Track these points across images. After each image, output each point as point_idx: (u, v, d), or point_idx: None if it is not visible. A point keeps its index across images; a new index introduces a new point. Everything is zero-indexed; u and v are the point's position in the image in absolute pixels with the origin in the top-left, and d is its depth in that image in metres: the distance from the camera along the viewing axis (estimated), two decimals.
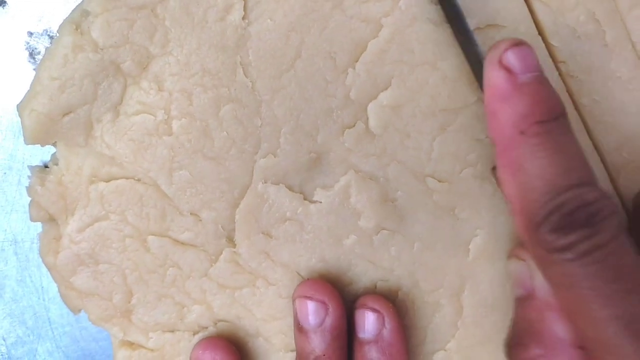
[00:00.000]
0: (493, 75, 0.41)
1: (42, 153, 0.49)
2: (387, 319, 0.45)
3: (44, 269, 0.47)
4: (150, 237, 0.46)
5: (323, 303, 0.45)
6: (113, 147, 0.45)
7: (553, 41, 0.46)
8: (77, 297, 0.47)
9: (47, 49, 0.45)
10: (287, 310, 0.47)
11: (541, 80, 0.41)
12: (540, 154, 0.39)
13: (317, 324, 0.45)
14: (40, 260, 0.47)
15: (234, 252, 0.47)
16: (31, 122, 0.45)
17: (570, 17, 0.46)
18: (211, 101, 0.45)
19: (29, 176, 0.46)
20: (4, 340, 0.52)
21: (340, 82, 0.45)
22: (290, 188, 0.46)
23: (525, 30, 0.46)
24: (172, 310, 0.47)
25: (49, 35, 0.50)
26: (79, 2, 0.45)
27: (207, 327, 0.48)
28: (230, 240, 0.47)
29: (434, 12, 0.45)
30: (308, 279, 0.47)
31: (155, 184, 0.46)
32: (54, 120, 0.45)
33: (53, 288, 0.49)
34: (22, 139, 0.46)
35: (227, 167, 0.46)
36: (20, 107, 0.45)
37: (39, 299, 0.52)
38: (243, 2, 0.45)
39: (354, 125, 0.46)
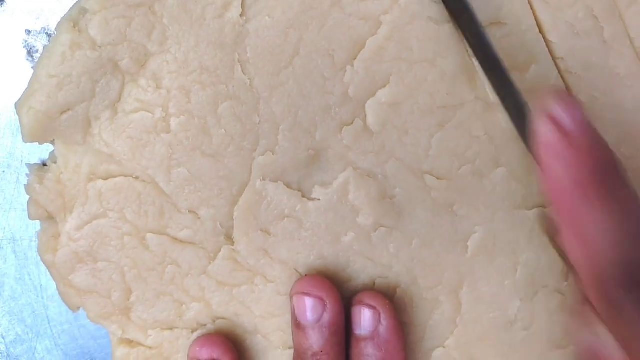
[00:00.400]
0: (543, 130, 0.40)
1: (41, 151, 0.49)
2: (383, 316, 0.45)
3: (43, 267, 0.47)
4: (148, 235, 0.46)
5: (321, 299, 0.45)
6: (111, 145, 0.45)
7: (551, 37, 0.47)
8: (76, 295, 0.47)
9: (45, 47, 0.45)
10: (285, 307, 0.47)
11: (593, 134, 0.40)
12: (602, 212, 0.38)
13: (314, 320, 0.45)
14: (39, 258, 0.47)
15: (233, 249, 0.47)
16: (29, 120, 0.45)
17: (569, 14, 0.46)
18: (209, 98, 0.45)
19: (27, 174, 0.46)
20: (3, 338, 0.52)
21: (339, 80, 0.45)
22: (288, 185, 0.46)
23: (527, 28, 0.46)
24: (170, 307, 0.47)
25: (47, 33, 0.50)
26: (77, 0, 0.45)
27: (205, 325, 0.48)
28: (229, 238, 0.47)
29: (435, 11, 0.46)
30: (306, 275, 0.47)
31: (153, 181, 0.46)
32: (52, 118, 0.45)
33: (52, 286, 0.49)
34: (20, 137, 0.46)
35: (226, 164, 0.46)
36: (18, 105, 0.45)
37: (37, 297, 0.52)
38: None
39: (352, 123, 0.46)
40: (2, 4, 0.49)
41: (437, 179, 0.47)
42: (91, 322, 0.47)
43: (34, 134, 0.45)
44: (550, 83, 0.47)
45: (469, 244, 0.47)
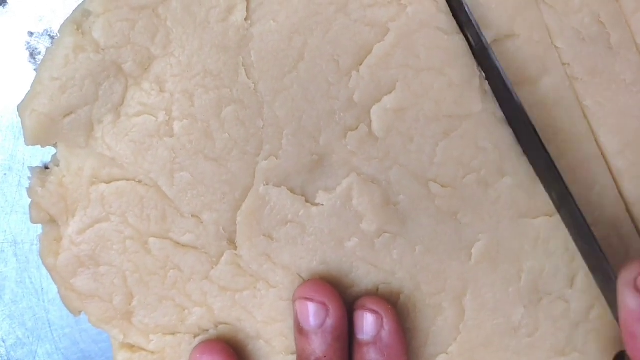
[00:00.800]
0: (629, 299, 0.41)
1: (43, 154, 0.49)
2: (385, 320, 0.45)
3: (44, 271, 0.47)
4: (151, 239, 0.46)
5: (323, 304, 0.45)
6: (114, 149, 0.45)
7: (558, 43, 0.46)
8: (78, 298, 0.47)
9: (47, 49, 0.45)
10: (287, 312, 0.47)
11: None
12: None
13: (317, 325, 0.45)
14: (41, 261, 0.47)
15: (235, 254, 0.47)
16: (32, 123, 0.44)
17: (575, 19, 0.46)
18: (213, 102, 0.45)
19: (29, 177, 0.46)
20: (4, 341, 0.52)
21: (344, 85, 0.45)
22: (292, 190, 0.46)
23: (540, 39, 0.46)
24: (172, 312, 0.47)
25: (49, 35, 0.49)
26: (80, 2, 0.45)
27: (207, 330, 0.48)
28: (232, 243, 0.47)
29: (443, 21, 0.46)
30: (308, 280, 0.47)
31: (156, 185, 0.46)
32: (55, 121, 0.44)
33: (53, 290, 0.49)
34: (22, 139, 0.45)
35: (229, 168, 0.46)
36: (20, 108, 0.45)
37: (38, 300, 0.52)
38: (246, 3, 0.45)
39: (357, 128, 0.46)
40: (4, 6, 0.49)
41: (442, 186, 0.46)
42: (92, 326, 0.47)
43: (37, 136, 0.45)
44: (561, 94, 0.47)
45: (472, 251, 0.47)
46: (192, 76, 0.45)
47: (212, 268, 0.47)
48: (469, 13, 0.45)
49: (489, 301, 0.48)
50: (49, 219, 0.46)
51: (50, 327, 0.52)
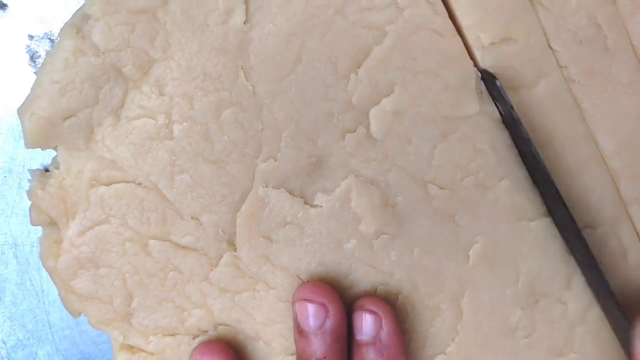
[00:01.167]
0: None
1: (43, 157, 0.49)
2: (384, 321, 0.45)
3: (44, 273, 0.47)
4: (150, 241, 0.46)
5: (323, 305, 0.45)
6: (114, 151, 0.45)
7: (554, 45, 0.47)
8: (78, 300, 0.47)
9: (47, 52, 0.45)
10: (287, 314, 0.47)
11: None
12: None
13: (317, 326, 0.45)
14: (41, 263, 0.47)
15: (235, 256, 0.47)
16: (32, 126, 0.44)
17: (572, 22, 0.47)
18: (212, 105, 0.45)
19: (29, 180, 0.46)
20: (4, 343, 0.52)
21: (342, 87, 0.46)
22: (290, 192, 0.46)
23: (536, 42, 0.46)
24: (172, 314, 0.47)
25: (49, 38, 0.50)
26: (80, 5, 0.45)
27: (207, 331, 0.48)
28: (231, 244, 0.47)
29: (440, 23, 0.46)
30: (308, 282, 0.47)
31: (156, 187, 0.46)
32: (55, 123, 0.45)
33: (53, 291, 0.49)
34: (22, 142, 0.45)
35: (228, 171, 0.46)
36: (20, 111, 0.45)
37: (39, 302, 0.52)
38: (244, 6, 0.45)
39: (355, 130, 0.46)
40: (4, 9, 0.49)
41: (440, 188, 0.47)
42: (92, 328, 0.47)
43: (36, 139, 0.45)
44: (559, 97, 0.47)
45: (470, 253, 0.47)
46: (191, 79, 0.45)
47: (212, 270, 0.47)
48: (499, 87, 0.46)
49: (486, 303, 0.48)
50: (49, 222, 0.46)
51: (50, 328, 0.52)
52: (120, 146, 0.45)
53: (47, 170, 0.47)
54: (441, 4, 0.46)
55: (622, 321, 0.47)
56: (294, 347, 0.47)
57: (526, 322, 0.48)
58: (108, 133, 0.45)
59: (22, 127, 0.45)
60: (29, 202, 0.46)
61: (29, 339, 0.52)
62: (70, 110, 0.45)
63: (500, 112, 0.47)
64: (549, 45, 0.47)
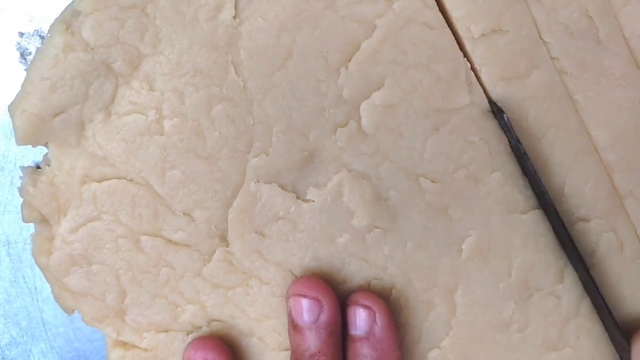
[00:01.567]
0: None
1: (34, 154, 0.49)
2: (378, 315, 0.45)
3: (38, 270, 0.47)
4: (143, 237, 0.46)
5: (317, 300, 0.45)
6: (105, 147, 0.45)
7: (546, 37, 0.46)
8: (71, 297, 0.47)
9: (38, 49, 0.45)
10: (280, 309, 0.47)
11: None
12: None
13: (311, 321, 0.45)
14: (34, 261, 0.47)
15: (227, 251, 0.47)
16: (22, 123, 0.44)
17: (564, 14, 0.46)
18: (203, 100, 0.45)
19: (21, 177, 0.46)
20: None
21: (333, 82, 0.45)
22: (282, 187, 0.46)
23: (528, 34, 0.46)
24: (165, 310, 0.47)
25: (40, 35, 0.49)
26: (70, 2, 0.45)
27: (200, 327, 0.48)
28: (224, 240, 0.47)
29: (429, 16, 0.46)
30: (301, 277, 0.47)
31: (147, 184, 0.46)
32: (45, 120, 0.44)
33: (46, 289, 0.49)
34: (13, 139, 0.45)
35: (220, 166, 0.46)
36: (11, 108, 0.45)
37: (32, 299, 0.52)
38: (234, 1, 0.45)
39: (346, 124, 0.46)
40: None
41: (432, 182, 0.47)
42: (86, 325, 0.47)
43: (27, 136, 0.45)
44: (551, 89, 0.47)
45: (463, 246, 0.47)
46: (181, 74, 0.45)
47: (204, 265, 0.47)
48: (507, 122, 0.46)
49: (480, 297, 0.48)
50: (41, 219, 0.46)
51: (44, 326, 0.52)
52: (111, 142, 0.45)
53: (38, 167, 0.47)
54: None
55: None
56: (288, 342, 0.47)
57: (520, 316, 0.48)
58: (99, 129, 0.45)
59: (13, 124, 0.45)
60: (21, 199, 0.46)
61: (22, 337, 0.52)
62: (60, 107, 0.44)
63: (509, 141, 0.47)
64: (540, 37, 0.46)
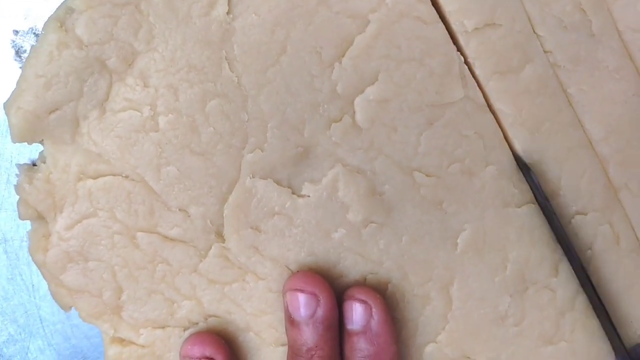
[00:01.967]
0: None
1: (30, 151, 0.49)
2: (374, 310, 0.45)
3: (35, 267, 0.47)
4: (139, 234, 0.46)
5: (314, 295, 0.45)
6: (100, 144, 0.45)
7: (539, 31, 0.47)
8: (68, 294, 0.47)
9: (32, 46, 0.45)
10: (277, 304, 0.47)
11: None
12: None
13: (308, 315, 0.45)
14: (31, 258, 0.47)
15: (223, 247, 0.47)
16: (18, 120, 0.44)
17: (557, 7, 0.46)
18: (197, 96, 0.45)
19: (17, 174, 0.46)
20: None
21: (327, 77, 0.45)
22: (278, 182, 0.46)
23: (521, 28, 0.46)
24: (162, 306, 0.47)
25: (34, 33, 0.50)
26: None
27: (197, 323, 0.48)
28: (219, 236, 0.47)
29: (422, 11, 0.46)
30: (298, 271, 0.47)
31: (143, 180, 0.46)
32: (41, 117, 0.44)
33: (44, 286, 0.49)
34: (9, 137, 0.45)
35: (215, 162, 0.46)
36: (6, 106, 0.45)
37: (29, 296, 0.52)
38: None
39: (340, 119, 0.46)
40: None
41: (426, 176, 0.47)
42: (83, 322, 0.47)
43: (23, 134, 0.45)
44: (545, 82, 0.47)
45: (458, 240, 0.47)
46: (176, 71, 0.45)
47: (201, 261, 0.47)
48: (534, 179, 0.47)
49: (475, 290, 0.48)
50: (37, 216, 0.46)
51: (41, 323, 0.52)
52: (106, 139, 0.45)
53: (34, 164, 0.47)
54: None
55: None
56: (285, 337, 0.47)
57: (515, 309, 0.48)
58: (94, 126, 0.45)
59: (8, 122, 0.45)
60: (17, 197, 0.46)
61: (20, 334, 0.52)
62: (55, 104, 0.44)
63: (536, 198, 0.48)
64: (533, 30, 0.47)
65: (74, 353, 0.53)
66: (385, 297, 0.47)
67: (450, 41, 0.46)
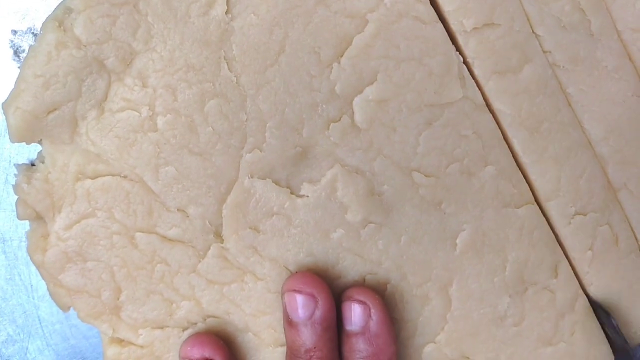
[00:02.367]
0: None
1: (29, 151, 0.49)
2: (373, 311, 0.45)
3: (33, 267, 0.47)
4: (137, 234, 0.46)
5: (312, 296, 0.45)
6: (98, 144, 0.45)
7: (538, 31, 0.46)
8: (66, 294, 0.47)
9: (30, 46, 0.45)
10: (275, 305, 0.47)
11: None
12: None
13: (306, 317, 0.45)
14: (29, 258, 0.47)
15: (222, 247, 0.47)
16: (16, 120, 0.44)
17: (556, 7, 0.46)
18: (196, 96, 0.45)
19: (15, 174, 0.46)
20: None
21: (325, 77, 0.45)
22: (277, 182, 0.46)
23: (520, 28, 0.46)
24: (161, 306, 0.47)
25: (33, 33, 0.50)
26: None
27: (196, 323, 0.48)
28: (218, 236, 0.47)
29: (421, 10, 0.46)
30: (296, 272, 0.47)
31: (141, 180, 0.46)
32: (39, 117, 0.44)
33: (42, 286, 0.50)
34: (7, 137, 0.45)
35: (214, 162, 0.46)
36: (5, 105, 0.45)
37: (28, 297, 0.52)
38: None
39: (339, 119, 0.46)
40: None
41: (425, 176, 0.47)
42: (82, 322, 0.47)
43: (21, 134, 0.45)
44: (544, 82, 0.47)
45: (457, 241, 0.47)
46: (174, 71, 0.45)
47: (199, 261, 0.47)
48: (615, 325, 0.48)
49: (474, 291, 0.48)
50: (36, 216, 0.46)
51: (40, 323, 0.52)
52: (105, 139, 0.45)
53: (33, 164, 0.47)
54: None
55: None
56: (284, 338, 0.47)
57: (515, 310, 0.48)
58: (92, 126, 0.45)
59: (7, 122, 0.45)
60: (16, 197, 0.46)
61: (19, 334, 0.52)
62: (54, 104, 0.44)
63: (610, 343, 0.48)
64: (532, 30, 0.46)
65: (72, 353, 0.53)
66: (384, 297, 0.47)
67: (449, 41, 0.46)
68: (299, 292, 0.45)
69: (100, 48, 0.44)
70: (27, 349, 0.52)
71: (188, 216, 0.46)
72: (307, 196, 0.46)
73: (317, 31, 0.45)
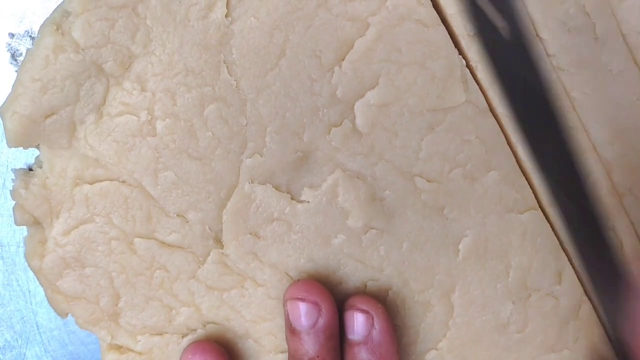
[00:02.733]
0: None
1: (27, 156, 0.49)
2: (376, 320, 0.45)
3: (31, 273, 0.47)
4: (136, 240, 0.46)
5: (315, 304, 0.45)
6: (97, 149, 0.45)
7: (542, 34, 0.46)
8: (64, 300, 0.47)
9: (28, 50, 0.44)
10: (276, 311, 0.47)
11: None
12: None
13: (310, 325, 0.44)
14: (27, 264, 0.46)
15: (222, 253, 0.46)
16: (13, 125, 0.44)
17: (560, 10, 0.46)
18: (195, 101, 0.45)
19: (13, 179, 0.46)
20: None
21: (326, 81, 0.45)
22: (277, 188, 0.46)
23: (523, 30, 0.46)
24: (160, 312, 0.47)
25: (30, 36, 0.49)
26: (60, 2, 0.44)
27: (195, 330, 0.47)
28: (218, 241, 0.46)
29: (423, 13, 0.45)
30: (299, 280, 0.46)
31: (140, 185, 0.45)
32: (37, 122, 0.44)
33: (40, 292, 0.49)
34: (5, 142, 0.45)
35: (213, 167, 0.45)
36: (2, 110, 0.44)
37: (26, 303, 0.52)
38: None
39: (340, 124, 0.45)
40: None
41: (428, 181, 0.46)
42: (80, 328, 0.47)
43: (19, 138, 0.44)
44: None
45: (460, 247, 0.47)
46: (173, 75, 0.44)
47: (199, 267, 0.46)
48: None
49: (477, 297, 0.47)
50: (34, 221, 0.46)
51: (38, 329, 0.52)
52: (103, 144, 0.45)
53: (30, 169, 0.46)
54: None
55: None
56: (284, 344, 0.47)
57: (518, 316, 0.48)
58: (90, 131, 0.45)
59: (4, 127, 0.44)
60: (13, 202, 0.46)
61: (17, 340, 0.52)
62: (51, 108, 0.44)
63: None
64: (537, 33, 0.46)
65: None
66: (386, 304, 0.47)
67: (452, 44, 0.46)
68: (302, 300, 0.45)
69: (98, 52, 0.44)
70: (24, 355, 0.52)
71: (187, 222, 0.46)
72: (308, 201, 0.46)
73: (318, 34, 0.45)
